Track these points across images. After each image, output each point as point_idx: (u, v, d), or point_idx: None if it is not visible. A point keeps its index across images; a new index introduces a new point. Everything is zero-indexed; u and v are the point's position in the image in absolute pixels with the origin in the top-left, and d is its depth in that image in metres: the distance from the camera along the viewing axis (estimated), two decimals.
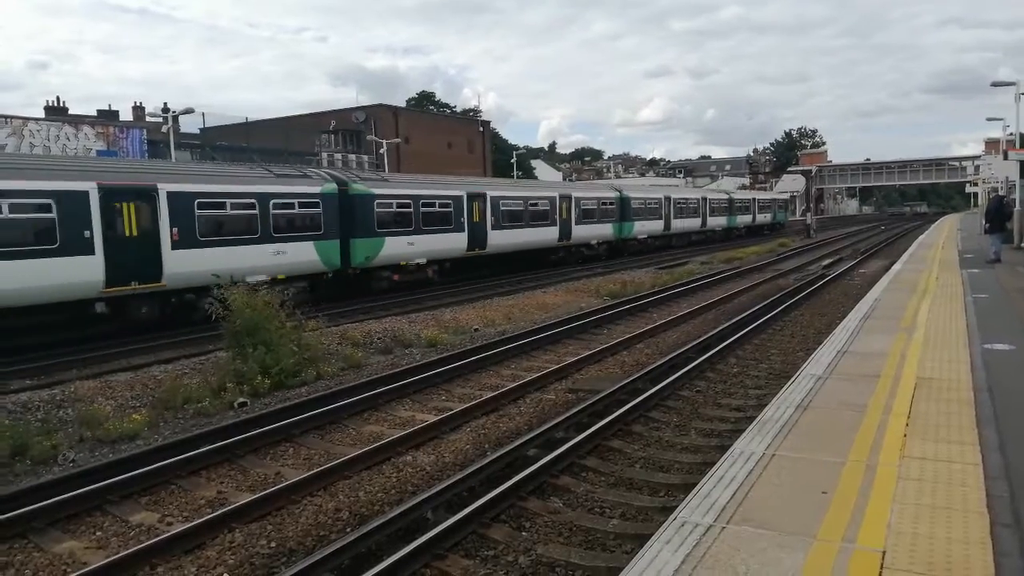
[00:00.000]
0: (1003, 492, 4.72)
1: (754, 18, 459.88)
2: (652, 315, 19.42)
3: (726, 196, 55.43)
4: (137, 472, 8.19)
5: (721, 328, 16.07)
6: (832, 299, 21.28)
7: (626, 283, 25.36)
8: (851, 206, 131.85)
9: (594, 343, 15.56)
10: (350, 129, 55.56)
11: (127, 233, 15.82)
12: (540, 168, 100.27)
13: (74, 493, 7.61)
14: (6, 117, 33.72)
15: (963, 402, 6.76)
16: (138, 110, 47.14)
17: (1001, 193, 32.73)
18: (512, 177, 62.07)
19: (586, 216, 33.91)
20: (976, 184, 70.69)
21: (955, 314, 11.75)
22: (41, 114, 39.90)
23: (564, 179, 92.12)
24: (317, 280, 20.79)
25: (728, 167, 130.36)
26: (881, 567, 3.81)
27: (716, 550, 4.04)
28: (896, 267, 21.61)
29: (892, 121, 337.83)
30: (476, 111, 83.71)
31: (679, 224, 44.32)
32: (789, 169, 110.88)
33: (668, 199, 43.11)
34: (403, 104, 74.97)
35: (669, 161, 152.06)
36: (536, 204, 30.35)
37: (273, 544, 6.73)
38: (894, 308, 12.76)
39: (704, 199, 49.89)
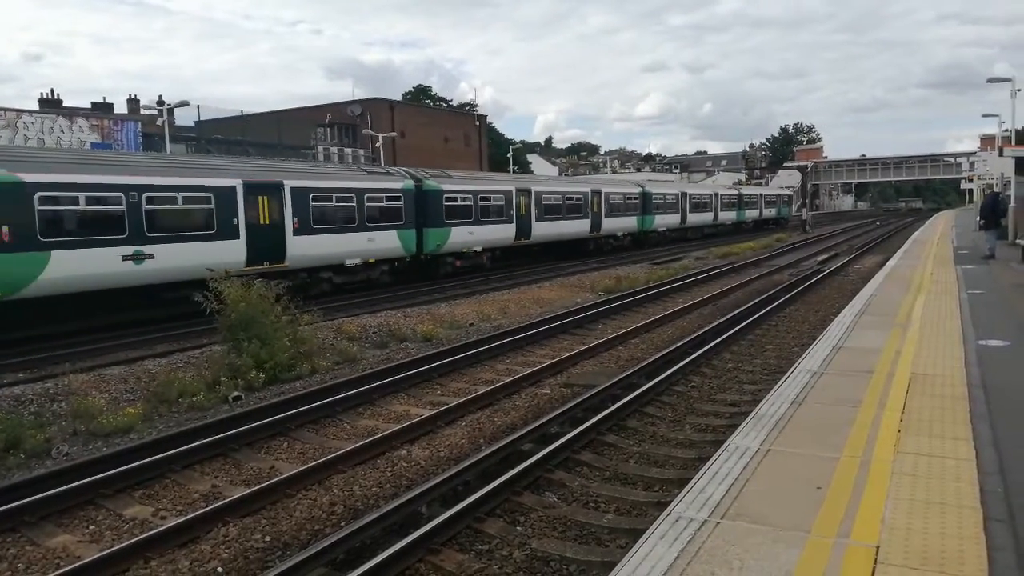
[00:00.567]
0: (997, 487, 4.74)
1: (752, 13, 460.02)
2: (647, 310, 19.43)
3: (736, 192, 58.19)
4: (131, 466, 8.17)
5: (716, 323, 16.10)
6: (827, 295, 21.32)
7: (621, 278, 25.36)
8: (846, 202, 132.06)
9: (589, 338, 15.57)
10: (346, 123, 55.32)
11: (261, 221, 18.72)
12: (536, 163, 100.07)
13: (67, 487, 7.59)
14: (0, 109, 33.52)
15: (957, 398, 6.78)
16: (133, 103, 46.90)
17: (996, 189, 32.83)
18: (509, 171, 62.04)
19: (614, 210, 36.79)
20: (971, 180, 70.89)
21: (950, 310, 11.78)
22: (35, 106, 39.65)
23: (560, 174, 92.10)
24: (398, 264, 23.98)
25: (724, 162, 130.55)
26: (875, 562, 3.82)
27: (711, 545, 4.05)
28: (891, 263, 21.67)
29: (888, 117, 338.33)
30: (472, 105, 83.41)
31: (694, 218, 47.14)
32: (785, 165, 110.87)
33: (684, 194, 45.94)
34: (399, 98, 74.73)
35: (665, 156, 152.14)
36: (572, 199, 33.10)
37: (267, 538, 6.72)
38: (889, 304, 12.79)
39: (716, 195, 52.62)
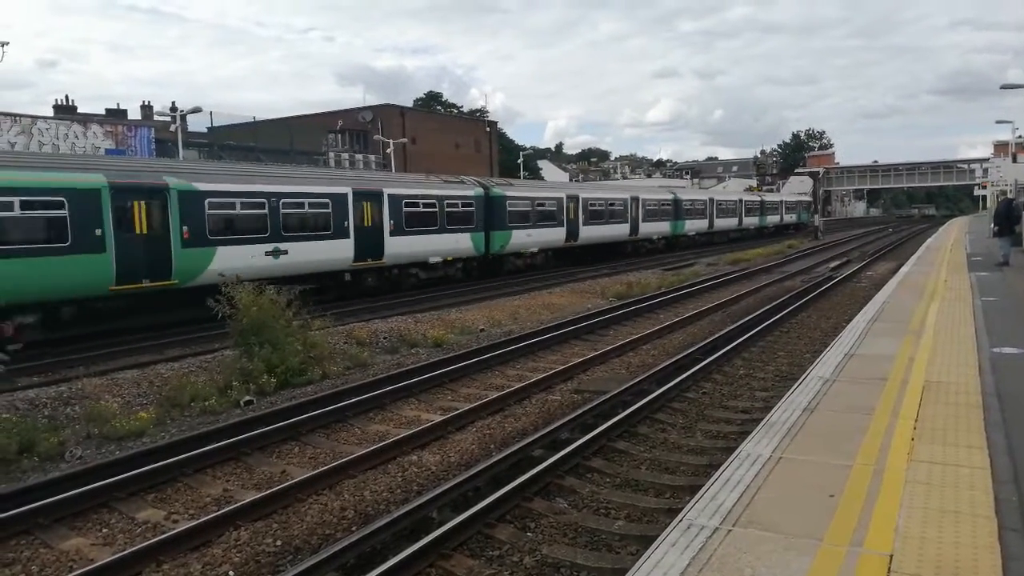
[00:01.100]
0: (1012, 496, 4.70)
1: (763, 19, 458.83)
2: (658, 316, 19.39)
3: (758, 199, 61.44)
4: (143, 469, 8.21)
5: (728, 330, 16.03)
6: (839, 302, 21.20)
7: (632, 284, 25.33)
8: (858, 208, 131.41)
9: (600, 344, 15.54)
10: (357, 129, 55.57)
11: (365, 224, 21.52)
12: (547, 169, 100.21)
13: (81, 490, 7.64)
14: (15, 115, 33.82)
15: (971, 406, 6.73)
16: (146, 109, 47.23)
17: (1010, 196, 32.56)
18: (519, 177, 62.15)
19: (650, 215, 39.82)
20: (985, 187, 70.44)
21: (964, 317, 11.70)
22: (50, 112, 39.99)
23: (570, 180, 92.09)
24: (469, 262, 26.88)
25: (735, 168, 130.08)
26: (888, 571, 3.80)
27: (722, 552, 4.03)
28: (904, 270, 21.54)
29: (900, 123, 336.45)
30: (483, 111, 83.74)
31: (720, 223, 50.18)
32: (796, 171, 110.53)
33: (712, 200, 49.31)
34: (410, 104, 74.99)
35: (675, 162, 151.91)
36: (614, 205, 36.11)
37: (279, 542, 6.74)
38: (902, 311, 12.71)
39: (741, 200, 55.93)
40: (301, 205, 19.68)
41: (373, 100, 69.16)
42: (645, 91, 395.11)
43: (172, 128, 34.76)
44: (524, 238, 28.93)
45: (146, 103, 47.43)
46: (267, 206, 18.61)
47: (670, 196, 43.19)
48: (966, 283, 16.57)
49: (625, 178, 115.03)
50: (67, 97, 41.93)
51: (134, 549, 6.40)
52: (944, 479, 5.01)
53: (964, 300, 13.75)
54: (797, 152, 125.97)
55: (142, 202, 15.95)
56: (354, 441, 9.74)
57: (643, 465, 8.60)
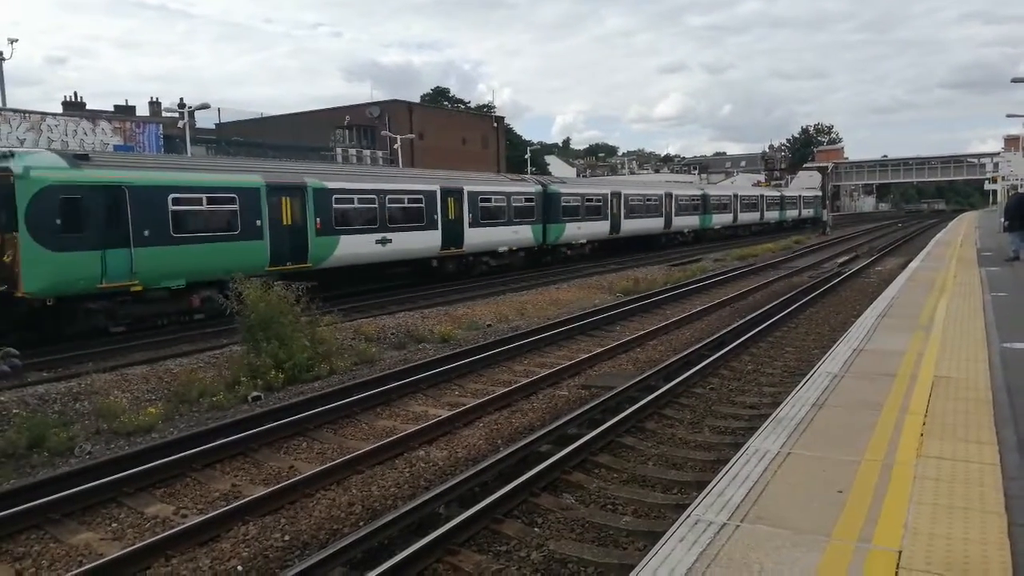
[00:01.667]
0: (1021, 492, 4.66)
1: (772, 13, 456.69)
2: (665, 312, 19.35)
3: (778, 194, 63.98)
4: (152, 464, 8.26)
5: (735, 325, 16.00)
6: (848, 297, 21.12)
7: (639, 280, 25.27)
8: (867, 203, 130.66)
9: (607, 340, 15.52)
10: (364, 125, 55.56)
11: (449, 217, 24.47)
12: (554, 164, 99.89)
13: (90, 485, 7.69)
14: (24, 112, 34.00)
15: (981, 401, 6.68)
16: (154, 105, 47.47)
17: (1021, 190, 32.33)
18: (527, 172, 62.13)
19: (682, 210, 42.73)
20: (995, 181, 69.88)
21: (973, 312, 11.62)
22: (59, 109, 40.22)
23: (578, 175, 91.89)
24: (529, 251, 29.78)
25: (743, 163, 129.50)
26: (897, 567, 3.78)
27: (730, 548, 4.02)
28: (913, 265, 21.41)
29: (910, 117, 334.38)
30: (490, 107, 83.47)
31: (744, 217, 53.26)
32: (805, 166, 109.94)
33: (736, 196, 52.30)
34: (418, 99, 74.95)
35: (683, 157, 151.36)
36: (650, 200, 39.27)
37: (287, 537, 6.77)
38: (911, 306, 12.64)
39: (762, 196, 58.67)
40: (402, 200, 22.78)
41: (380, 96, 69.40)
42: (653, 86, 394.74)
43: (180, 124, 34.89)
44: (575, 230, 31.86)
45: (154, 99, 47.79)
46: (377, 201, 21.64)
47: (699, 192, 46.54)
48: (976, 278, 16.46)
49: (633, 173, 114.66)
50: (76, 94, 42.26)
51: (143, 543, 6.45)
52: (954, 475, 4.98)
53: (974, 295, 13.66)
54: (806, 147, 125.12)
55: (287, 198, 18.95)
56: (361, 436, 9.77)
57: (650, 461, 8.59)
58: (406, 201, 22.95)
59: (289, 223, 18.87)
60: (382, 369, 13.07)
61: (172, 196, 16.27)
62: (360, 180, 21.89)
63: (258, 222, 18.00)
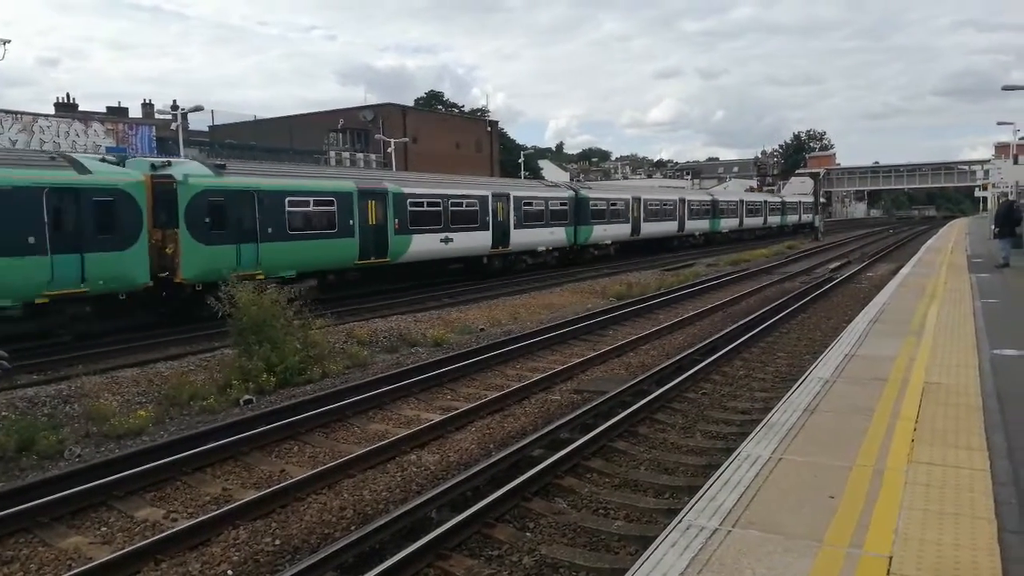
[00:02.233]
0: (1011, 498, 4.69)
1: (766, 19, 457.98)
2: (658, 316, 19.38)
3: (780, 200, 67.82)
4: (142, 468, 8.21)
5: (727, 330, 16.03)
6: (839, 302, 21.20)
7: (632, 284, 25.32)
8: (859, 209, 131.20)
9: (600, 344, 15.54)
10: (358, 128, 55.49)
11: (498, 219, 27.35)
12: (547, 169, 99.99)
13: (80, 488, 7.63)
14: (16, 113, 33.81)
15: (971, 407, 6.72)
16: (147, 107, 47.20)
17: (1011, 198, 32.54)
18: (520, 177, 62.19)
19: (693, 214, 45.74)
20: (986, 188, 70.23)
21: (964, 319, 11.69)
22: (51, 110, 39.95)
23: (572, 179, 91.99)
24: (563, 251, 32.52)
25: (736, 169, 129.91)
26: (888, 573, 3.79)
27: (721, 554, 4.02)
28: (904, 271, 21.52)
29: (902, 124, 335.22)
30: (484, 111, 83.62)
31: (749, 221, 56.44)
32: (797, 172, 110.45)
33: (742, 202, 55.84)
34: (411, 103, 74.92)
35: (676, 162, 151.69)
36: (667, 205, 42.56)
37: (278, 542, 6.74)
38: (902, 312, 12.70)
39: (765, 202, 62.23)
40: (460, 204, 25.37)
41: (374, 99, 68.95)
42: (647, 91, 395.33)
43: (173, 127, 34.75)
44: (601, 232, 34.70)
45: (147, 101, 47.44)
46: (441, 204, 24.38)
47: (709, 198, 50.09)
48: (966, 285, 16.56)
49: (626, 178, 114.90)
50: (68, 95, 41.90)
51: (133, 547, 6.40)
52: (944, 481, 5.00)
53: (964, 301, 13.74)
54: (798, 153, 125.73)
55: (373, 201, 21.70)
56: (353, 440, 9.74)
57: (642, 465, 8.59)
58: (464, 205, 25.58)
59: (374, 223, 21.65)
60: (374, 373, 13.04)
61: (288, 199, 19.06)
62: (429, 186, 24.86)
63: (351, 221, 20.77)
